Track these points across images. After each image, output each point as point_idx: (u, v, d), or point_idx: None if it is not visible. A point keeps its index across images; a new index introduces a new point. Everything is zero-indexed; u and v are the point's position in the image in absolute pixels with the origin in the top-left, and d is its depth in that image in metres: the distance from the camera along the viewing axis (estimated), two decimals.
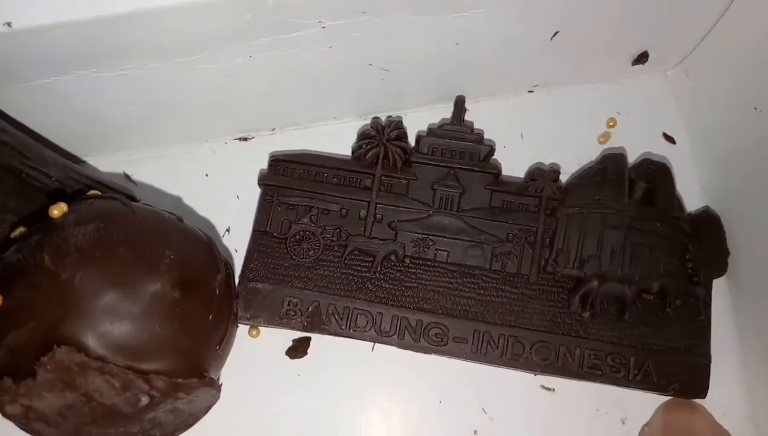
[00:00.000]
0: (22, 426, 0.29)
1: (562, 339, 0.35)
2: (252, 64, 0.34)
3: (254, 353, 0.37)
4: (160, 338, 0.28)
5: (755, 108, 0.34)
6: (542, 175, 0.37)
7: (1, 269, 0.29)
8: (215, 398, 0.33)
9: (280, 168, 0.38)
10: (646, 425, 0.36)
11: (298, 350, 0.37)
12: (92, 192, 0.33)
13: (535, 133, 0.40)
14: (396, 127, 0.37)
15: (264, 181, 0.38)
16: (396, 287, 0.36)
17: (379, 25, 0.33)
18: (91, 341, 0.27)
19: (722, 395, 0.35)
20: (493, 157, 0.39)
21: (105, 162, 0.40)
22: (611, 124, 0.40)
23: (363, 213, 0.37)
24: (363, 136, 0.38)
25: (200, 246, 0.32)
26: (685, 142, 0.41)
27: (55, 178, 0.34)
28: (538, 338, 0.35)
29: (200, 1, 0.29)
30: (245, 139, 0.41)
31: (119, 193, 0.36)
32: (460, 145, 0.37)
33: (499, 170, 0.38)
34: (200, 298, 0.31)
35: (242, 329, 0.37)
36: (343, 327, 0.35)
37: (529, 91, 0.42)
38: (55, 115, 0.35)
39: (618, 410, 0.37)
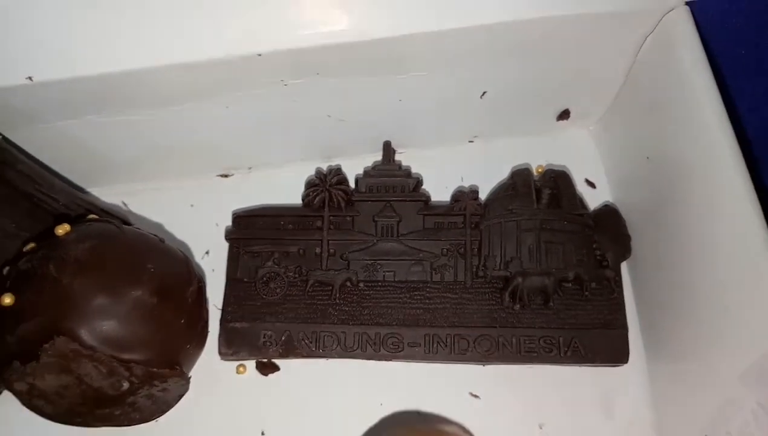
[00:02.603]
0: (26, 402, 0.34)
1: (500, 331, 0.39)
2: (228, 112, 0.40)
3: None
4: (139, 334, 0.34)
5: (647, 157, 0.41)
6: (464, 196, 0.43)
7: (16, 275, 0.35)
8: (185, 388, 0.38)
9: (243, 223, 0.43)
10: None
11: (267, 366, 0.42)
12: (91, 216, 0.39)
13: (474, 177, 0.46)
14: (336, 173, 0.43)
15: (230, 236, 0.43)
16: (354, 308, 0.40)
17: (332, 84, 0.39)
18: (84, 334, 0.33)
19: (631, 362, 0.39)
20: (422, 187, 0.45)
21: (106, 191, 0.46)
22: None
23: (318, 250, 0.42)
24: (309, 185, 0.44)
25: (177, 262, 0.38)
26: (604, 185, 0.47)
27: (62, 202, 0.39)
28: (480, 333, 0.39)
29: (183, 63, 0.35)
30: (226, 175, 0.47)
31: (115, 217, 0.42)
32: (392, 181, 0.44)
33: (428, 198, 0.44)
34: (174, 304, 0.36)
35: (230, 366, 0.41)
36: (314, 349, 0.39)
37: (470, 141, 0.48)
38: (65, 151, 0.41)
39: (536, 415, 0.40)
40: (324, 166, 0.46)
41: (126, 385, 0.33)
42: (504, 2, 0.36)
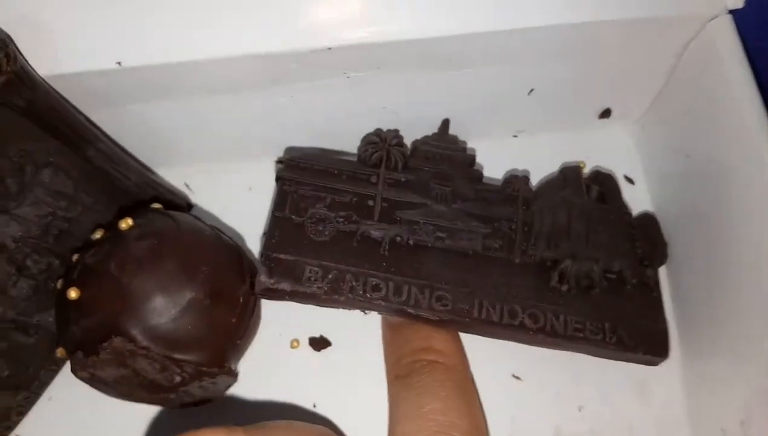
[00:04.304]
0: (89, 384, 0.37)
1: (548, 307, 0.39)
2: (292, 101, 0.42)
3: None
4: (191, 335, 0.36)
5: (687, 155, 0.43)
6: (517, 179, 0.44)
7: (82, 269, 0.37)
8: (233, 381, 0.40)
9: (296, 163, 0.42)
10: None
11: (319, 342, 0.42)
12: (155, 205, 0.41)
13: (519, 170, 0.47)
14: (395, 135, 0.43)
15: (281, 174, 0.41)
16: (403, 264, 0.39)
17: (391, 78, 0.41)
18: (139, 334, 0.35)
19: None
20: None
21: (171, 172, 0.47)
22: (581, 166, 0.47)
23: (371, 203, 0.41)
24: (367, 141, 0.43)
25: (231, 260, 0.39)
26: (642, 182, 0.48)
27: (134, 181, 0.41)
28: (529, 305, 0.39)
29: (256, 53, 0.37)
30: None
31: (180, 198, 0.44)
32: (448, 153, 0.44)
33: (482, 174, 0.44)
34: (226, 304, 0.38)
35: (284, 342, 0.43)
36: (361, 292, 0.38)
37: (514, 136, 0.49)
38: (135, 132, 0.43)
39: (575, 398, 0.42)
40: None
41: (178, 379, 0.36)
42: (556, 6, 0.37)
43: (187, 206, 0.46)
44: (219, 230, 0.41)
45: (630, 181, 0.49)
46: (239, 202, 0.47)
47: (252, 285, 0.39)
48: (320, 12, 0.37)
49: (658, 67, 0.43)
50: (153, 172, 0.46)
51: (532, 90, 0.45)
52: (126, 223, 0.37)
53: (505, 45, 0.39)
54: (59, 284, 0.38)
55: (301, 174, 0.42)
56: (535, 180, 0.47)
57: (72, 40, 0.36)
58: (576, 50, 0.41)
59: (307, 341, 0.43)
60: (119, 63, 0.36)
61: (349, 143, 0.46)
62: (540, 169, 0.47)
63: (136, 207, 0.41)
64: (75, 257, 0.38)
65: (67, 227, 0.39)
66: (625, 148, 0.50)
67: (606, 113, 0.49)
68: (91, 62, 0.36)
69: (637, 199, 0.47)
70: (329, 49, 0.37)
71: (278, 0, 0.37)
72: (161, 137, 0.44)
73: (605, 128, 0.50)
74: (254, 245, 0.46)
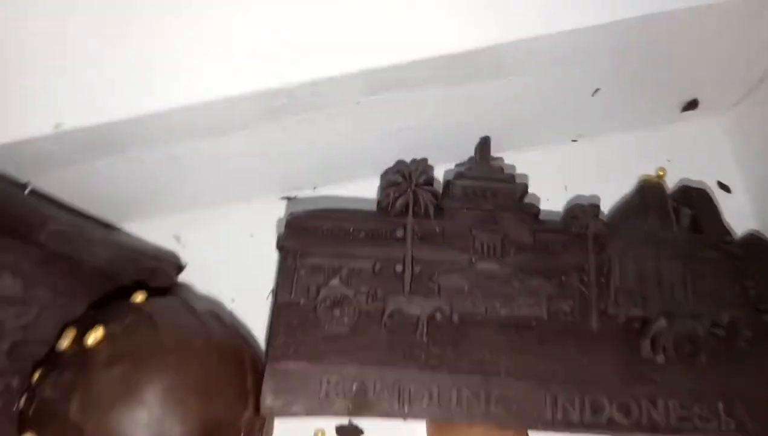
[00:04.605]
0: None
1: (642, 390, 0.31)
2: (290, 135, 0.35)
3: None
4: None
5: None
6: (584, 212, 0.35)
7: (39, 407, 0.30)
8: None
9: (301, 227, 0.34)
10: None
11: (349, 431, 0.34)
12: (136, 298, 0.33)
13: (579, 183, 0.39)
14: (423, 170, 0.35)
15: (283, 243, 0.34)
16: (448, 351, 0.32)
17: (408, 97, 0.33)
18: None
19: None
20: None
21: (157, 224, 0.41)
22: (661, 173, 0.38)
23: (399, 268, 0.33)
24: (389, 183, 0.35)
25: (229, 373, 0.32)
26: (741, 190, 0.39)
27: (106, 258, 0.35)
28: (617, 392, 0.31)
29: (240, 95, 0.31)
30: (289, 198, 0.41)
31: (167, 263, 0.38)
32: (493, 186, 0.35)
33: (539, 210, 0.36)
34: None
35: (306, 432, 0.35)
36: (396, 406, 0.30)
37: (573, 141, 0.41)
38: (112, 188, 0.37)
39: None
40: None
41: None
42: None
43: (177, 270, 0.40)
44: (215, 311, 0.35)
45: (725, 188, 0.39)
46: (240, 252, 0.40)
47: (257, 408, 0.31)
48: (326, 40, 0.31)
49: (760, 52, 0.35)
50: (131, 238, 0.40)
51: (597, 90, 0.36)
52: (95, 336, 0.30)
53: (555, 48, 0.32)
54: (22, 402, 0.31)
55: (308, 240, 0.34)
56: (603, 194, 0.38)
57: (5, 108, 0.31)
58: (653, 42, 0.33)
59: (334, 431, 0.36)
60: (58, 126, 0.31)
61: (367, 170, 0.39)
62: (608, 179, 0.39)
63: (112, 298, 0.34)
64: (36, 374, 0.31)
65: (21, 337, 0.32)
66: (715, 145, 0.40)
67: (692, 105, 0.39)
68: (33, 128, 0.31)
69: (737, 213, 0.38)
70: (330, 79, 0.31)
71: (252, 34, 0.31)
72: (142, 189, 0.38)
73: (688, 123, 0.41)
74: (263, 307, 0.38)
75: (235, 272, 0.39)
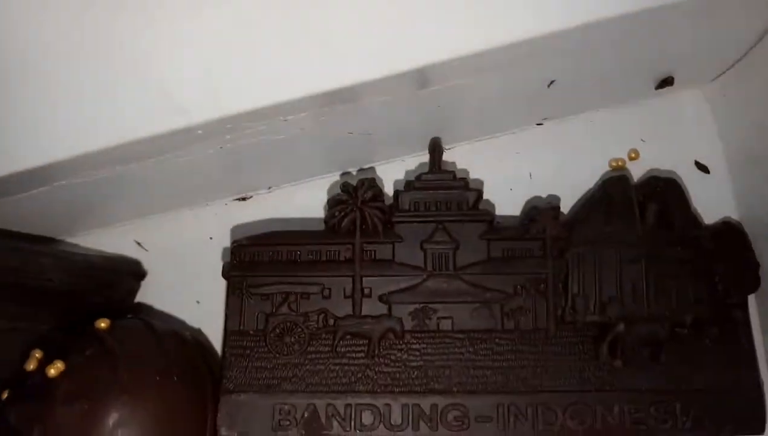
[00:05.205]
0: None
1: (597, 396, 0.31)
2: (236, 147, 0.33)
3: None
4: None
5: None
6: (541, 214, 0.33)
7: (4, 431, 0.30)
8: None
9: (246, 255, 0.34)
10: None
11: None
12: (100, 323, 0.33)
13: (544, 171, 0.37)
14: (369, 186, 0.34)
15: (229, 273, 0.34)
16: (400, 370, 0.32)
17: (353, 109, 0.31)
18: None
19: None
20: (484, 199, 0.35)
21: (118, 230, 0.40)
22: (633, 156, 0.36)
23: (348, 290, 0.33)
24: (334, 202, 0.34)
25: (189, 413, 0.32)
26: (722, 169, 0.36)
27: (58, 280, 0.34)
28: (570, 399, 0.31)
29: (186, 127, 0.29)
30: (243, 199, 0.40)
31: (127, 272, 0.38)
32: (444, 195, 0.34)
33: (493, 216, 0.34)
34: None
35: None
36: (348, 429, 0.31)
37: (538, 124, 0.38)
38: (65, 205, 0.36)
39: None
40: (353, 174, 0.36)
41: None
42: None
43: (137, 278, 0.40)
44: (177, 330, 0.35)
45: (703, 169, 0.37)
46: (200, 255, 0.39)
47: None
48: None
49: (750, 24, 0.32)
50: (86, 254, 0.39)
51: (552, 81, 0.33)
52: (56, 367, 0.31)
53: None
54: None
55: (254, 269, 0.34)
56: (571, 182, 0.36)
57: None
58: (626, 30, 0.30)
59: None
60: None
61: (323, 169, 0.38)
62: (579, 163, 0.37)
63: (79, 314, 0.34)
64: (5, 394, 0.32)
65: None
66: (692, 122, 0.38)
67: (667, 82, 0.36)
68: None
69: (714, 196, 0.36)
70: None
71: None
72: (95, 204, 0.37)
73: (665, 97, 0.37)
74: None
75: (198, 274, 0.39)
